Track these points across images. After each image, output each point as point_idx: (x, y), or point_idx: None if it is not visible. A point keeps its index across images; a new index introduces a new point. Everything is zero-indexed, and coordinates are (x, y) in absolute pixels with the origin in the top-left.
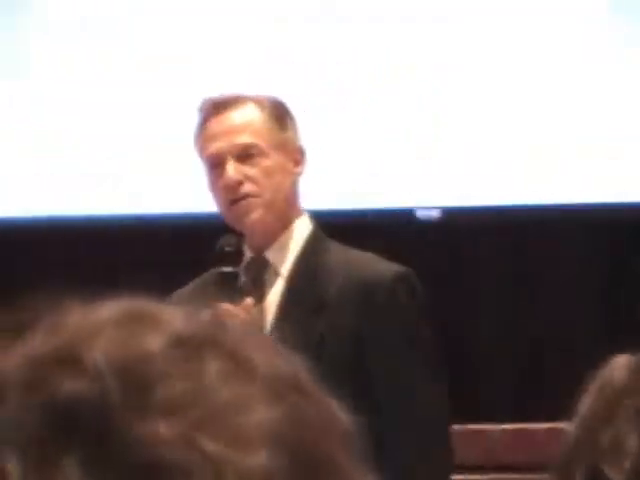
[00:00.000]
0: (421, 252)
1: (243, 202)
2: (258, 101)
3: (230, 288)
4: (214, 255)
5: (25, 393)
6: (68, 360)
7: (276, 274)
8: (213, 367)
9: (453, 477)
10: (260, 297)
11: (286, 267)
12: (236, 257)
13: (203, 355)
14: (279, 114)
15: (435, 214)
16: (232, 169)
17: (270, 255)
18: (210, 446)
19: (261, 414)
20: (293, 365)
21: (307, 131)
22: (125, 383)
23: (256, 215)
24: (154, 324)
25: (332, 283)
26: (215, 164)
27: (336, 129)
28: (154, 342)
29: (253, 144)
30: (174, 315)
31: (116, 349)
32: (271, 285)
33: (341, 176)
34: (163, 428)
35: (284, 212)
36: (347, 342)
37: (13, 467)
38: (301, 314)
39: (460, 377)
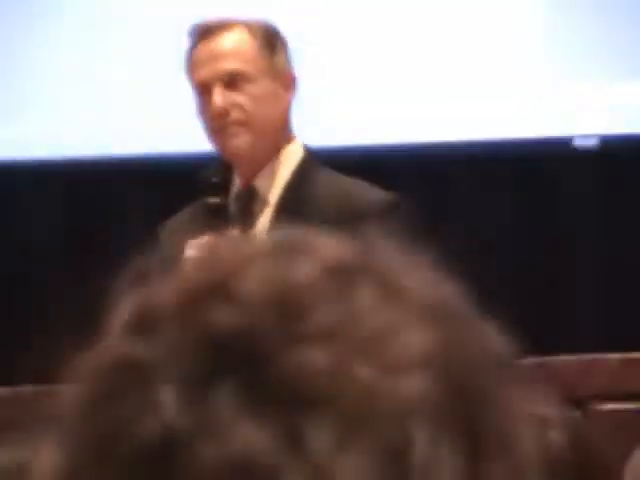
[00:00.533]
0: (579, 181)
1: (229, 130)
2: (247, 25)
3: (218, 219)
4: (200, 186)
5: (179, 326)
6: (221, 292)
7: (265, 203)
8: (365, 294)
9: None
10: (249, 227)
11: (274, 195)
12: (223, 187)
13: (355, 282)
14: (269, 38)
15: (594, 142)
16: (219, 96)
17: (259, 183)
18: (363, 373)
19: (414, 339)
20: (446, 290)
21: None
22: (277, 313)
23: (243, 142)
24: (305, 253)
25: (320, 211)
26: (203, 91)
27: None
28: (305, 271)
29: (240, 70)
30: (325, 244)
31: (268, 279)
32: (260, 214)
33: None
34: (316, 356)
35: (273, 139)
36: None
37: (168, 396)
38: None
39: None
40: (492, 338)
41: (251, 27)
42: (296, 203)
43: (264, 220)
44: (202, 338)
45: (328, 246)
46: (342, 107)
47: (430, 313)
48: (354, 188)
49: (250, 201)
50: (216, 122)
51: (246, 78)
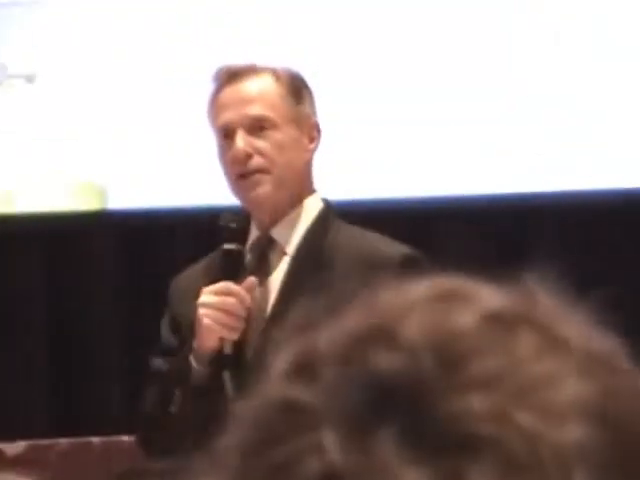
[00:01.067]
0: None
1: (251, 177)
2: (274, 72)
3: (235, 266)
4: (218, 232)
5: (341, 367)
6: (383, 336)
7: (282, 253)
8: (526, 342)
9: None
10: (265, 276)
11: (292, 246)
12: (241, 234)
13: (516, 330)
14: (295, 86)
15: None
16: (241, 141)
17: (276, 233)
18: (524, 420)
19: (575, 389)
20: (607, 341)
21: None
22: (439, 359)
23: (264, 191)
24: (466, 301)
25: (338, 264)
26: (225, 135)
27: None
28: (467, 318)
29: (265, 116)
30: (485, 292)
31: (429, 325)
32: (276, 264)
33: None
34: (477, 402)
35: (294, 189)
36: None
37: (331, 440)
38: (305, 295)
39: None
40: None
41: (278, 74)
42: (315, 255)
43: (280, 270)
44: (364, 382)
45: (488, 294)
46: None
47: (590, 363)
48: (374, 241)
49: (267, 250)
50: (237, 167)
51: (270, 125)
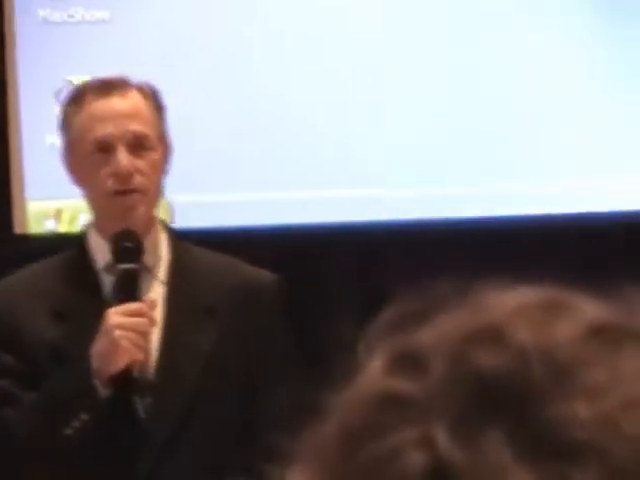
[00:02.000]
0: None
1: (131, 195)
2: (140, 88)
3: (134, 286)
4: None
5: (450, 365)
6: (492, 337)
7: (151, 274)
8: (631, 357)
9: None
10: (136, 299)
11: (161, 269)
12: (136, 253)
13: (620, 345)
14: (159, 103)
15: None
16: (125, 158)
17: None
18: (631, 428)
19: None
20: None
21: None
22: (546, 365)
23: (140, 212)
24: (571, 311)
25: (213, 287)
26: (100, 148)
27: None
28: (572, 329)
29: (145, 134)
30: (588, 304)
31: (536, 332)
32: (147, 288)
33: None
34: (584, 409)
35: (155, 211)
36: (238, 344)
37: (440, 435)
38: (191, 317)
39: None
40: None
41: (144, 90)
42: (187, 278)
43: (154, 294)
44: (473, 378)
45: (592, 306)
46: None
47: None
48: (235, 264)
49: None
50: (117, 184)
51: (149, 143)
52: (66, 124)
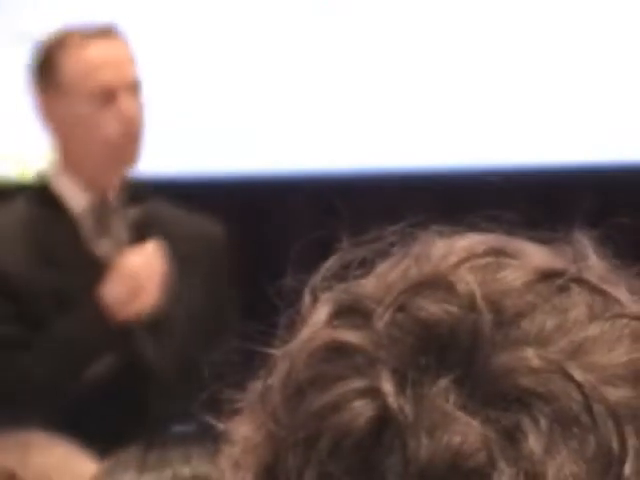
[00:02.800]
0: None
1: (135, 143)
2: (121, 35)
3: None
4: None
5: (395, 313)
6: (440, 285)
7: (117, 218)
8: (580, 302)
9: None
10: (107, 239)
11: (126, 213)
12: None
13: (569, 290)
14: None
15: None
16: (131, 104)
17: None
18: (579, 375)
19: (626, 351)
20: None
21: None
22: (494, 312)
23: (138, 157)
24: (518, 258)
25: (173, 235)
26: (103, 94)
27: None
28: (521, 276)
29: (139, 81)
30: (536, 251)
31: (484, 280)
32: (116, 229)
33: None
34: (532, 356)
35: None
36: (203, 290)
37: (386, 384)
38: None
39: None
40: None
41: (123, 37)
42: (149, 222)
43: (120, 234)
44: (419, 327)
45: (539, 253)
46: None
47: (639, 325)
48: (189, 215)
49: (108, 215)
50: (122, 130)
51: (139, 90)
52: (51, 68)
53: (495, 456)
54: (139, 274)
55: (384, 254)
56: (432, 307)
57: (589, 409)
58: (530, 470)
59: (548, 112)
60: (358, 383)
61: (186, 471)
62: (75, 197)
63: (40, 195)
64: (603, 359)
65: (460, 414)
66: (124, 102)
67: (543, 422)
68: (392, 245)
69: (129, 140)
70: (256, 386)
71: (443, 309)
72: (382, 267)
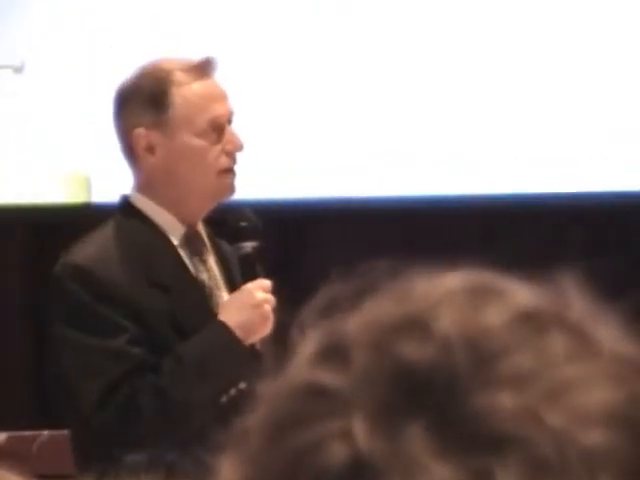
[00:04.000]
0: None
1: (233, 172)
2: (215, 65)
3: (255, 264)
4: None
5: (373, 355)
6: (416, 326)
7: (205, 246)
8: (558, 343)
9: None
10: (205, 270)
11: (207, 241)
12: (253, 232)
13: (548, 331)
14: None
15: None
16: (237, 135)
17: (199, 229)
18: (553, 420)
19: (604, 393)
20: (636, 346)
21: None
22: (471, 353)
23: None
24: (499, 297)
25: (229, 254)
26: (214, 128)
27: None
28: (499, 315)
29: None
30: (518, 289)
31: (462, 320)
32: (207, 257)
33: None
34: (507, 400)
35: None
36: None
37: (360, 427)
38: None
39: None
40: None
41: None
42: (219, 246)
43: (211, 263)
44: (395, 370)
45: (521, 292)
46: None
47: (619, 367)
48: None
49: (199, 245)
50: (229, 161)
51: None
52: (162, 102)
53: None
54: (263, 306)
55: (371, 290)
56: (409, 348)
57: (561, 453)
58: None
59: (533, 143)
60: (334, 425)
61: None
62: (172, 227)
63: (137, 223)
64: (580, 401)
65: (431, 459)
66: (231, 135)
67: (514, 467)
68: (380, 280)
69: (234, 172)
70: (241, 424)
71: (419, 351)
72: (367, 304)
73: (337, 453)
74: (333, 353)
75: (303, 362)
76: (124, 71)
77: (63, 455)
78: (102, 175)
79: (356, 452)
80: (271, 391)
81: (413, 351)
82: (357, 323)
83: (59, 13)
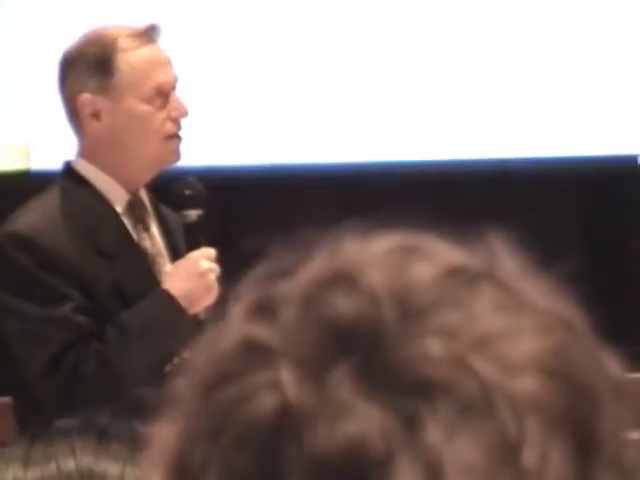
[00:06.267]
0: None
1: (178, 138)
2: (159, 32)
3: (200, 232)
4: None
5: (302, 308)
6: (345, 281)
7: (148, 212)
8: (486, 296)
9: None
10: (147, 236)
11: (148, 206)
12: (197, 200)
13: (476, 285)
14: None
15: None
16: (182, 102)
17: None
18: (480, 367)
19: (530, 343)
20: (565, 305)
21: None
22: (399, 307)
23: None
24: (428, 255)
25: (174, 230)
26: (159, 93)
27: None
28: (428, 271)
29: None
30: (447, 248)
31: (391, 275)
32: (148, 224)
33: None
34: (435, 348)
35: None
36: None
37: (288, 377)
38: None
39: None
40: (604, 356)
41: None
42: (161, 214)
43: (154, 231)
44: (323, 322)
45: (449, 251)
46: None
47: (546, 321)
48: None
49: (142, 212)
50: (174, 126)
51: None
52: (107, 67)
53: (393, 446)
54: (208, 275)
55: (307, 257)
56: (336, 302)
57: (488, 399)
58: (429, 459)
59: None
60: (264, 377)
61: (70, 465)
62: (116, 194)
63: (80, 190)
64: (507, 350)
65: (358, 402)
66: (176, 101)
67: (442, 411)
68: (318, 247)
69: (179, 138)
70: (176, 385)
71: (347, 304)
72: (301, 267)
73: (265, 403)
74: (263, 308)
75: (235, 319)
76: (64, 38)
77: (1, 422)
78: (42, 143)
79: (284, 401)
80: (203, 350)
81: (340, 304)
82: (289, 281)
83: None
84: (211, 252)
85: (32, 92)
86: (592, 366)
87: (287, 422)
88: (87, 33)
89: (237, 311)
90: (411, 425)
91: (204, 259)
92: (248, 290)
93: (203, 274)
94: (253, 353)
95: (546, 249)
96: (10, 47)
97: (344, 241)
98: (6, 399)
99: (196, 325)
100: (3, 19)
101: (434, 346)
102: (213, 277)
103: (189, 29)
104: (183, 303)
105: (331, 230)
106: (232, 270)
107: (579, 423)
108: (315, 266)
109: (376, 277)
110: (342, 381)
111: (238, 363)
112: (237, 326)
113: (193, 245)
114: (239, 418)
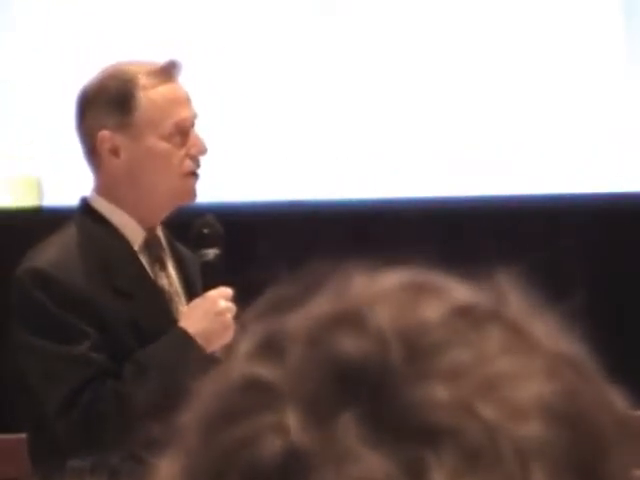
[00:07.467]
0: None
1: (196, 177)
2: (179, 68)
3: (218, 271)
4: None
5: (308, 348)
6: (352, 321)
7: (165, 252)
8: (494, 337)
9: None
10: (164, 276)
11: (164, 245)
12: (215, 239)
13: (484, 326)
14: None
15: None
16: (202, 140)
17: (158, 233)
18: (487, 413)
19: (537, 386)
20: (574, 345)
21: None
22: (406, 347)
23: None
24: (436, 293)
25: (191, 261)
26: (179, 131)
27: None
28: (436, 311)
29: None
30: (455, 287)
31: (399, 315)
32: (167, 263)
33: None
34: (441, 392)
35: None
36: None
37: (293, 419)
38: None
39: None
40: (614, 399)
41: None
42: (177, 251)
43: (170, 269)
44: (330, 364)
45: (458, 289)
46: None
47: (555, 363)
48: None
49: (159, 250)
50: (193, 165)
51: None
52: (127, 104)
53: None
54: (225, 314)
55: (314, 290)
56: (343, 342)
57: (493, 444)
58: None
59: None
60: (269, 418)
61: None
62: (133, 232)
63: (98, 227)
64: (514, 394)
65: (363, 449)
66: (195, 138)
67: (447, 457)
68: (325, 280)
69: (197, 176)
70: (179, 421)
71: (354, 344)
72: (304, 304)
73: (270, 446)
74: (270, 347)
75: (240, 357)
76: (75, 73)
77: (14, 459)
78: (53, 178)
79: (289, 444)
80: (208, 386)
81: (347, 344)
82: (295, 319)
83: (11, 16)
84: (228, 291)
85: (44, 126)
86: (599, 407)
87: (292, 466)
88: (106, 68)
89: (242, 348)
90: (416, 471)
91: (222, 298)
92: (254, 323)
93: (220, 313)
94: (258, 393)
95: (555, 286)
96: (10, 47)
97: (352, 277)
98: (21, 436)
99: (213, 364)
100: (3, 19)
101: (440, 391)
102: (230, 316)
103: (192, 55)
104: (200, 342)
105: (341, 265)
106: (247, 307)
107: (586, 465)
108: (322, 303)
109: (384, 316)
110: (348, 427)
111: (243, 403)
112: (242, 364)
113: (210, 284)
114: (244, 460)
